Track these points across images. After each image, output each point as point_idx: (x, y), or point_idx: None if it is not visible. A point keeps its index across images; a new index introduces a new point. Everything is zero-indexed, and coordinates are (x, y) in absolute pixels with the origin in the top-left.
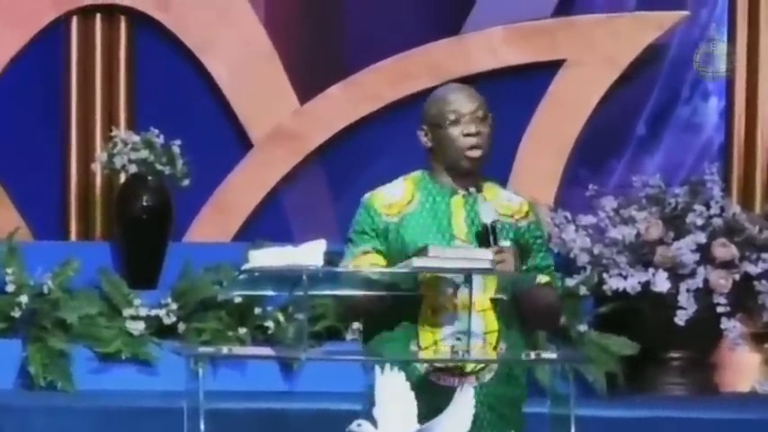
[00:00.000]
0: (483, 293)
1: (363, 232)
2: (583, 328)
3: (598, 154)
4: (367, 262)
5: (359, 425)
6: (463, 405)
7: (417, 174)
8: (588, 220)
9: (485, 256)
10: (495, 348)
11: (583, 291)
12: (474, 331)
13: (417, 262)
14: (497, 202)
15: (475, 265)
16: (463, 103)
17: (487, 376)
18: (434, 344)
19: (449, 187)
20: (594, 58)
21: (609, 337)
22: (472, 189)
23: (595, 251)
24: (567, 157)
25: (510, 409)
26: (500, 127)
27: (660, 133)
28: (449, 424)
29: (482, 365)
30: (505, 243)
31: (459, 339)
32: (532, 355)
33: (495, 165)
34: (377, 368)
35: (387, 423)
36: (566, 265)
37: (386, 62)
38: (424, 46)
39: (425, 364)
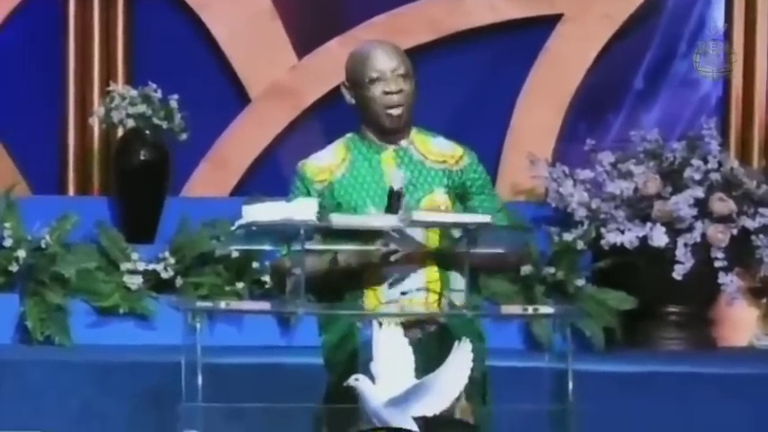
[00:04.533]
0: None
1: (297, 198)
2: (580, 282)
3: (596, 109)
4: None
5: (357, 379)
6: (461, 358)
7: (349, 135)
8: (586, 174)
9: (481, 219)
10: (439, 299)
11: (580, 245)
12: (419, 286)
13: (417, 215)
14: (428, 150)
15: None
16: (384, 60)
17: (432, 327)
18: (378, 305)
19: (377, 145)
20: (592, 13)
21: (606, 291)
22: (403, 142)
23: (593, 206)
24: (564, 112)
25: None
26: (498, 82)
27: (658, 88)
28: (447, 378)
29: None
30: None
31: (404, 294)
32: (530, 310)
33: (493, 120)
34: (374, 323)
35: (384, 377)
36: (563, 219)
37: (383, 17)
38: (421, 1)
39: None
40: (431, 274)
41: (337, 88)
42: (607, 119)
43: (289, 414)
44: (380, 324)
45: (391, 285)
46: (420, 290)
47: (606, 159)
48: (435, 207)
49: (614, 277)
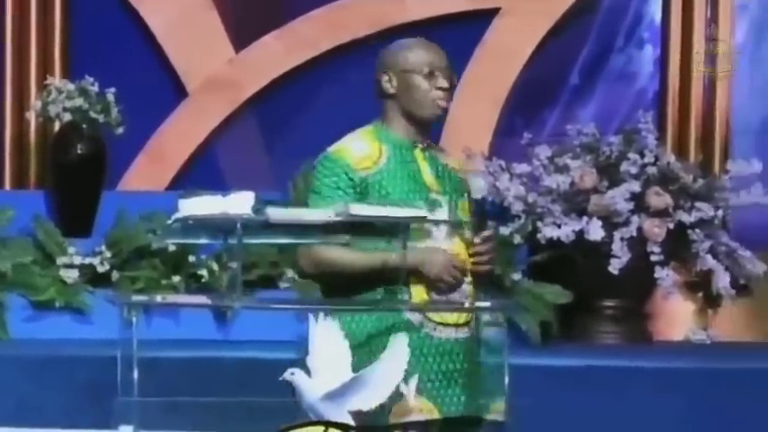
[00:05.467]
0: (458, 247)
1: (338, 188)
2: (517, 276)
3: (533, 103)
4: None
5: (292, 373)
6: (398, 353)
7: (371, 127)
8: (523, 168)
9: (417, 213)
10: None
11: (517, 239)
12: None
13: (354, 209)
14: (447, 157)
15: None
16: (438, 57)
17: (466, 329)
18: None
19: (407, 139)
20: (529, 6)
21: (543, 285)
22: (427, 139)
23: (530, 199)
24: (501, 106)
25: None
26: None
27: (594, 82)
28: (383, 372)
29: (469, 317)
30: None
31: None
32: (466, 304)
33: None
34: (311, 317)
35: (320, 372)
36: (500, 213)
37: (321, 10)
38: None
39: (419, 316)
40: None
41: (275, 81)
42: (544, 113)
43: (225, 408)
44: (316, 318)
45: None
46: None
47: (543, 153)
48: (466, 210)
49: (550, 271)
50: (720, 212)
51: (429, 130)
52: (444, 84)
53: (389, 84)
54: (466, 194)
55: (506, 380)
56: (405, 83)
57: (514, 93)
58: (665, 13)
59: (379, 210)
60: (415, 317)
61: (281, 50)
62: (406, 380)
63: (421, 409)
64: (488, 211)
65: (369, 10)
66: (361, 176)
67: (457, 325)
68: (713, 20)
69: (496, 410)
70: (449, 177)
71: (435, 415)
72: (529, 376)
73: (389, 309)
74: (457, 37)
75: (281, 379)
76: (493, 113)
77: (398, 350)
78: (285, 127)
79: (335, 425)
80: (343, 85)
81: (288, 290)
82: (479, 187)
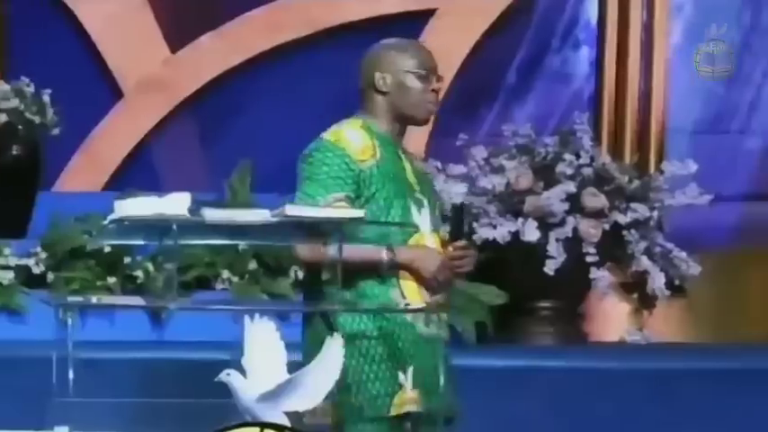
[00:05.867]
0: (438, 246)
1: (337, 177)
2: None
3: (469, 103)
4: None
5: (228, 374)
6: (333, 354)
7: (359, 120)
8: (458, 169)
9: (354, 213)
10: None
11: None
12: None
13: (290, 210)
14: (415, 159)
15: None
16: (432, 59)
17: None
18: (419, 295)
19: (392, 137)
20: (465, 7)
21: (478, 286)
22: (404, 145)
23: (465, 201)
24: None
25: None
26: None
27: (531, 83)
28: (319, 373)
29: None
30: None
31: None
32: (401, 305)
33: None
34: (246, 318)
35: (256, 373)
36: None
37: (258, 11)
38: None
39: (410, 316)
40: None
41: (211, 81)
42: (480, 113)
43: (160, 409)
44: (252, 318)
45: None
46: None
47: (479, 154)
48: (441, 212)
49: (486, 272)
50: (656, 213)
51: (405, 131)
52: (437, 86)
53: (383, 81)
54: (435, 196)
55: (441, 380)
56: (400, 83)
57: (451, 93)
58: (601, 14)
59: (316, 210)
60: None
61: (218, 51)
62: (404, 371)
63: (416, 400)
64: (463, 218)
65: (305, 11)
66: (360, 168)
67: (437, 323)
68: (649, 21)
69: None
70: (423, 178)
71: (424, 407)
72: (465, 377)
73: (326, 310)
74: (394, 37)
75: (216, 380)
76: None
77: (334, 351)
78: (221, 127)
79: (271, 426)
80: (279, 86)
81: (223, 291)
82: (459, 192)
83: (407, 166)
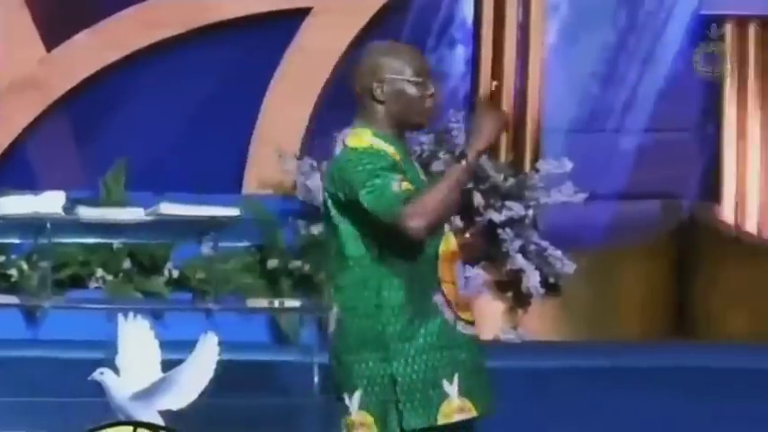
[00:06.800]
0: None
1: (391, 168)
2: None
3: (345, 102)
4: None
5: (101, 373)
6: (207, 353)
7: (366, 130)
8: None
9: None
10: None
11: None
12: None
13: (165, 208)
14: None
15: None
16: (425, 63)
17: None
18: (458, 298)
19: (400, 140)
20: (341, 5)
21: None
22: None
23: None
24: (313, 106)
25: None
26: (247, 75)
27: None
28: (192, 372)
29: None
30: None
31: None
32: (276, 304)
33: (242, 113)
34: (120, 317)
35: (129, 371)
36: (311, 212)
37: (133, 9)
38: None
39: (452, 315)
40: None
41: (86, 80)
42: (354, 112)
43: (34, 407)
44: (126, 317)
45: (460, 280)
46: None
47: None
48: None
49: None
50: (531, 211)
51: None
52: (433, 91)
53: (380, 91)
54: None
55: (316, 380)
56: (397, 91)
57: (327, 92)
58: (476, 13)
59: (190, 208)
60: (449, 315)
61: (93, 49)
62: (450, 379)
63: (462, 408)
64: None
65: (180, 9)
66: (398, 164)
67: (472, 323)
68: (525, 20)
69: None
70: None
71: (474, 413)
72: None
73: (176, 309)
74: (269, 36)
75: (90, 378)
76: (305, 113)
77: (207, 350)
78: (96, 126)
79: (144, 425)
80: (154, 84)
81: (98, 290)
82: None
83: (417, 166)
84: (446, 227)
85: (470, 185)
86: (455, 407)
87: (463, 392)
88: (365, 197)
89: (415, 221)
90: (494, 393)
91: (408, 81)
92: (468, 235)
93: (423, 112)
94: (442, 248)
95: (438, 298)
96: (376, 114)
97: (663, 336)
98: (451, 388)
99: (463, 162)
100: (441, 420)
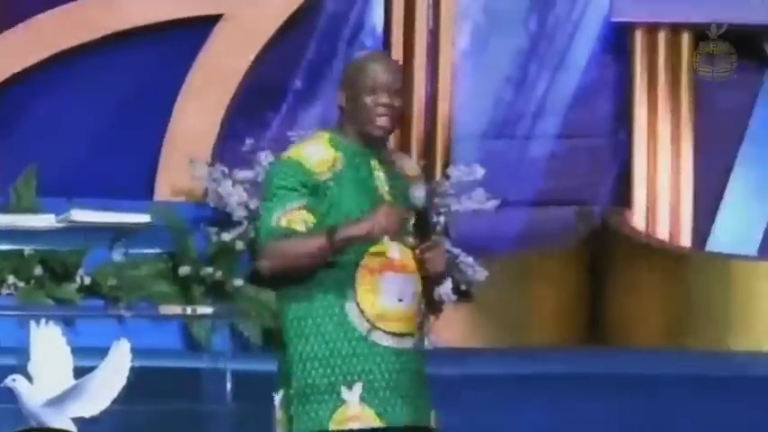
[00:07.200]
0: (406, 255)
1: (294, 189)
2: (238, 282)
3: (255, 108)
4: (301, 219)
5: (13, 380)
6: (119, 359)
7: (327, 134)
8: (245, 174)
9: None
10: (420, 308)
11: (239, 245)
12: (411, 291)
13: (76, 215)
14: (403, 165)
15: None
16: (382, 72)
17: (418, 336)
18: (381, 308)
19: (363, 149)
20: (251, 12)
21: (265, 291)
22: (383, 153)
23: (252, 205)
24: (224, 112)
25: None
26: (157, 83)
27: (317, 87)
28: (104, 379)
29: (416, 325)
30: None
31: (400, 301)
32: (189, 310)
33: (152, 120)
34: (32, 323)
35: (42, 378)
36: (223, 219)
37: (41, 17)
38: (78, 1)
39: (366, 324)
40: (418, 283)
41: None
42: (266, 118)
43: None
44: (38, 324)
45: (390, 290)
46: (414, 297)
47: (265, 159)
48: (434, 255)
49: (273, 277)
50: (442, 218)
51: (384, 139)
52: (383, 99)
53: (343, 98)
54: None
55: (228, 386)
56: (353, 99)
57: (237, 98)
58: (386, 19)
59: (102, 215)
60: (362, 325)
61: (3, 56)
62: (350, 386)
63: (360, 417)
64: (430, 221)
65: (89, 16)
66: (316, 180)
67: (402, 334)
68: (435, 26)
69: (432, 419)
70: (402, 187)
71: (376, 424)
72: (251, 382)
73: (89, 315)
74: (180, 42)
75: (1, 385)
76: (215, 119)
77: (120, 357)
78: (6, 132)
79: (57, 431)
80: (65, 91)
81: (9, 296)
82: (419, 197)
83: (380, 175)
84: (384, 236)
85: None
86: (351, 414)
87: (365, 401)
88: (260, 211)
89: (264, 261)
90: (424, 407)
91: (362, 89)
92: (421, 248)
93: (372, 122)
94: (369, 258)
95: (350, 306)
96: (341, 120)
97: (576, 342)
98: (350, 395)
99: (328, 239)
100: (332, 426)
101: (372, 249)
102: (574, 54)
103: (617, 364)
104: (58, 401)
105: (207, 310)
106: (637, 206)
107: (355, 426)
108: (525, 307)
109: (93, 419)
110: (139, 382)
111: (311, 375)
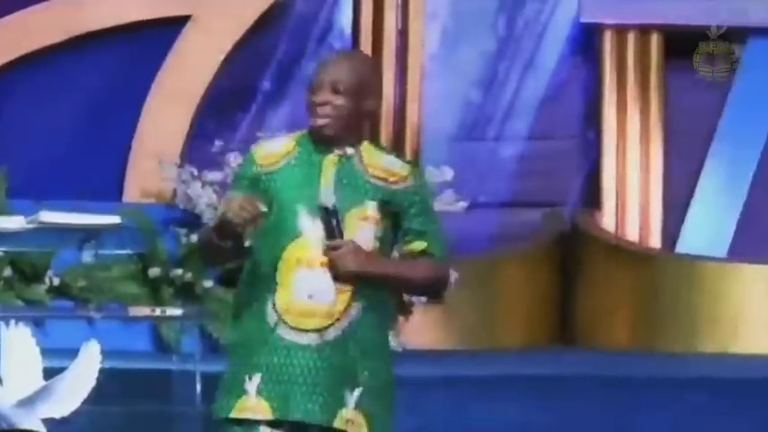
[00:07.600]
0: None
1: (239, 179)
2: (208, 284)
3: (224, 110)
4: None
5: None
6: (89, 361)
7: (300, 132)
8: (214, 176)
9: (110, 220)
10: (347, 307)
11: None
12: (324, 288)
13: (45, 216)
14: (373, 164)
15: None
16: (322, 71)
17: (333, 334)
18: (289, 303)
19: (321, 147)
20: (219, 13)
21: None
22: (350, 150)
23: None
24: (193, 114)
25: (360, 370)
26: (125, 84)
27: (286, 88)
28: (74, 379)
29: (329, 323)
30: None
31: (310, 297)
32: (158, 311)
33: (121, 122)
34: (1, 324)
35: (11, 379)
36: (192, 221)
37: (6, 19)
38: (46, 2)
39: (275, 317)
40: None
41: None
42: (236, 119)
43: None
44: (7, 325)
45: (300, 286)
46: (328, 294)
47: (234, 160)
48: (363, 218)
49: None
50: None
51: (332, 137)
52: (319, 98)
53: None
54: (377, 201)
55: (198, 388)
56: (306, 99)
57: (206, 100)
58: (355, 20)
59: (71, 216)
60: (271, 317)
61: None
62: (251, 377)
63: (255, 408)
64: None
65: (55, 18)
66: (256, 171)
67: (306, 330)
68: (404, 27)
69: (342, 418)
70: (356, 186)
71: (268, 416)
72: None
73: (58, 316)
74: (149, 43)
75: None
76: (184, 120)
77: (89, 358)
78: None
79: None
80: (34, 92)
81: None
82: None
83: (330, 173)
84: (301, 232)
85: None
86: (249, 405)
87: (262, 394)
88: None
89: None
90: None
91: (308, 89)
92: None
93: (312, 120)
94: (287, 254)
95: (269, 300)
96: None
97: (546, 343)
98: (250, 385)
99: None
100: (233, 414)
101: (292, 245)
102: (543, 55)
103: (586, 365)
104: (28, 402)
105: (176, 311)
106: (606, 207)
107: (249, 416)
108: (495, 308)
109: (63, 420)
110: (109, 384)
111: (229, 366)
